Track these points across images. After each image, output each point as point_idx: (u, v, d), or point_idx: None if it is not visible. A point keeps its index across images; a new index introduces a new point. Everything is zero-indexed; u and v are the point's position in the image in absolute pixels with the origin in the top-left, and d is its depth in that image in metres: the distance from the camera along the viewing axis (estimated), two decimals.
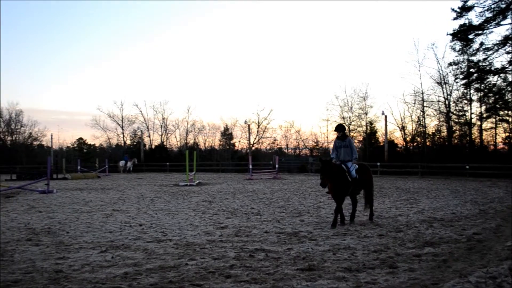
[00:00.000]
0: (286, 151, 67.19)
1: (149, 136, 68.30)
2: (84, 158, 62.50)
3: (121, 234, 10.56)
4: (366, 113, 56.15)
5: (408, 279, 6.55)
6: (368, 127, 55.58)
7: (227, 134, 68.68)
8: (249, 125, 61.54)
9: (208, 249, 8.80)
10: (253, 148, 63.23)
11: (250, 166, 38.25)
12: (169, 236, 10.29)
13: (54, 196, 21.66)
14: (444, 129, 49.10)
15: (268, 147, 67.73)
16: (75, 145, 77.53)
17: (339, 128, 12.24)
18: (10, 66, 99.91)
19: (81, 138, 77.94)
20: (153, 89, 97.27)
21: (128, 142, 69.28)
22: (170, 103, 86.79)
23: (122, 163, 54.17)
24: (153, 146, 66.17)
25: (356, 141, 56.09)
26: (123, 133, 68.93)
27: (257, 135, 66.13)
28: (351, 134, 57.33)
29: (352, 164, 11.94)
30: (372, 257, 7.97)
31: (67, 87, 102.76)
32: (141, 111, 68.30)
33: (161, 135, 68.16)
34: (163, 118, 68.32)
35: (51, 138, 58.52)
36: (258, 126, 66.05)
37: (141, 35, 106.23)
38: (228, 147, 67.97)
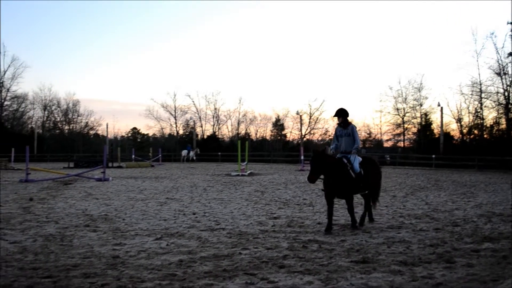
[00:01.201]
0: None
1: (201, 126, 69.18)
2: (138, 147, 63.84)
3: (175, 222, 10.72)
4: (420, 105, 55.09)
5: (466, 275, 6.37)
6: (423, 119, 54.45)
7: (278, 125, 68.66)
8: (301, 116, 61.42)
9: (261, 239, 8.83)
10: (304, 139, 63.02)
11: (302, 157, 38.07)
12: (222, 225, 10.38)
13: (110, 184, 22.21)
14: (503, 121, 47.51)
15: (319, 138, 67.41)
16: (130, 135, 79.28)
17: (340, 113, 10.34)
18: (68, 57, 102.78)
19: (135, 128, 79.64)
20: (205, 80, 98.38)
21: (181, 132, 70.36)
22: (222, 94, 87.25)
23: (184, 152, 54.86)
24: (205, 136, 66.94)
25: (410, 133, 55.00)
26: (176, 123, 70.03)
27: (308, 126, 65.92)
28: (405, 125, 56.29)
29: (353, 155, 10.11)
30: (428, 251, 7.80)
31: (122, 77, 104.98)
32: (193, 101, 69.21)
33: (213, 125, 68.88)
34: (215, 109, 68.99)
35: (107, 127, 60.19)
36: (310, 117, 65.84)
37: (193, 24, 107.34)
38: (279, 137, 67.97)
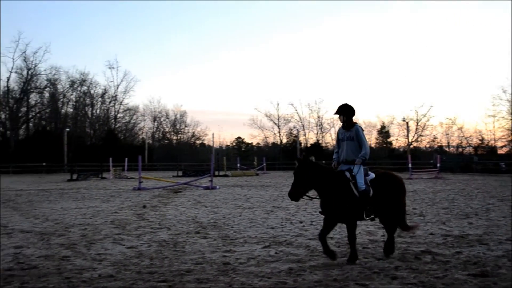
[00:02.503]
0: (447, 149, 63.99)
1: (305, 135, 69.23)
2: (242, 156, 64.98)
3: (282, 230, 10.74)
4: None
5: None
6: None
7: (383, 132, 67.23)
8: (407, 123, 59.67)
9: (371, 249, 8.62)
10: (411, 146, 61.16)
11: (410, 165, 36.94)
12: (330, 234, 10.24)
13: (217, 192, 22.75)
14: None
15: (427, 145, 65.12)
16: (234, 144, 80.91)
17: (342, 110, 7.94)
18: (175, 70, 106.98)
19: (239, 137, 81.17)
20: (308, 88, 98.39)
21: (284, 140, 70.83)
22: (325, 102, 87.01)
23: None
24: (308, 145, 66.86)
25: None
26: (279, 132, 70.70)
27: (415, 133, 63.89)
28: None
29: (357, 166, 7.73)
30: None
31: (226, 88, 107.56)
32: (296, 110, 69.58)
33: (316, 134, 68.71)
34: (318, 117, 68.89)
35: (212, 137, 61.82)
36: (417, 123, 63.82)
37: (294, 31, 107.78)
38: (384, 145, 66.47)
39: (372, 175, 7.90)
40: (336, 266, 7.32)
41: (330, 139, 69.34)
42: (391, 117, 67.26)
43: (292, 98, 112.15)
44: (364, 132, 8.05)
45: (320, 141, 67.51)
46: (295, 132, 68.70)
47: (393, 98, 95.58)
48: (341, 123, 8.06)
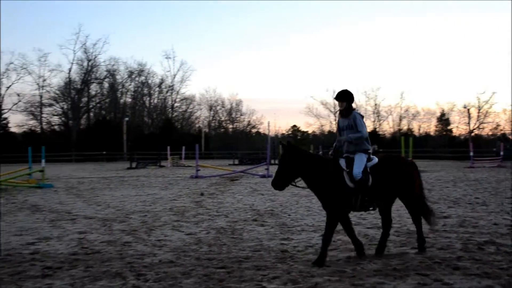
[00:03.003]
0: (511, 137, 61.78)
1: None
2: (298, 145, 64.66)
3: None
4: None
5: None
6: None
7: (443, 120, 65.51)
8: (468, 110, 57.96)
9: (431, 238, 8.42)
10: (473, 134, 59.39)
11: (471, 153, 35.86)
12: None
13: None
14: None
15: (490, 133, 63.08)
16: (290, 132, 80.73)
17: (341, 97, 7.36)
18: (230, 59, 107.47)
19: (295, 126, 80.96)
20: (364, 75, 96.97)
21: None
22: (382, 89, 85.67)
23: None
24: None
25: None
26: (335, 120, 69.90)
27: (477, 120, 61.97)
28: None
29: (358, 154, 7.13)
30: None
31: (282, 76, 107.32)
32: None
33: (373, 121, 67.68)
34: (375, 104, 67.77)
35: (268, 125, 61.69)
36: (479, 110, 61.83)
37: (351, 19, 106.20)
38: (444, 133, 64.81)
39: (374, 160, 7.27)
40: (395, 255, 7.22)
41: (387, 127, 68.34)
42: (451, 104, 65.46)
43: (348, 85, 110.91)
44: (364, 119, 7.45)
45: (377, 129, 66.43)
46: None
47: (454, 84, 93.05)
48: (340, 110, 7.49)
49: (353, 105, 7.49)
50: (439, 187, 18.30)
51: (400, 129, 65.39)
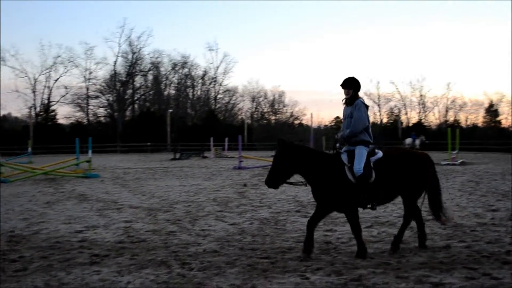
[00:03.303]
0: None
1: (406, 114, 67.20)
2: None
3: (384, 210, 10.51)
4: None
5: None
6: None
7: (492, 111, 63.76)
8: None
9: (479, 232, 8.23)
10: None
11: None
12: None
13: None
14: None
15: None
16: (333, 123, 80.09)
17: (347, 84, 7.06)
18: (273, 51, 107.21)
19: (338, 117, 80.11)
20: (409, 66, 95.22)
21: (385, 120, 69.15)
22: (427, 79, 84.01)
23: (408, 140, 52.56)
24: (410, 124, 64.85)
25: None
26: (379, 111, 69.05)
27: None
28: None
29: (358, 148, 6.79)
30: None
31: (324, 67, 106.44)
32: (397, 88, 67.54)
33: (419, 113, 66.48)
34: (421, 95, 66.52)
35: (311, 116, 61.61)
36: None
37: (395, 9, 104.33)
38: (493, 124, 63.10)
39: (379, 154, 6.93)
40: (442, 248, 7.09)
41: (433, 118, 67.00)
42: (500, 94, 63.65)
43: (393, 76, 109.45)
44: (369, 109, 7.10)
45: (423, 120, 65.18)
46: (396, 111, 66.92)
47: (503, 74, 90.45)
48: (345, 98, 7.13)
49: (360, 93, 7.16)
50: (487, 179, 17.83)
51: (446, 121, 63.97)
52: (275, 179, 6.65)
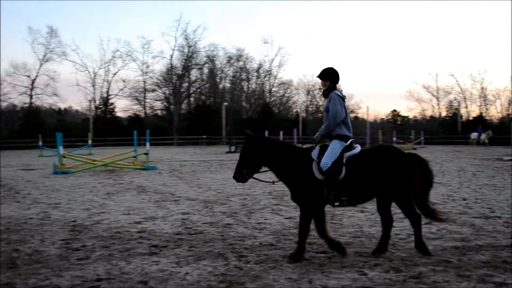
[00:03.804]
0: None
1: (466, 107, 65.36)
2: (398, 130, 63.09)
3: (444, 207, 10.25)
4: None
5: None
6: None
7: None
8: None
9: None
10: None
11: None
12: (497, 213, 9.58)
13: None
14: None
15: None
16: (390, 117, 78.78)
17: (323, 75, 6.71)
18: (325, 43, 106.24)
19: (395, 110, 78.77)
20: (470, 58, 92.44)
21: (444, 113, 67.49)
22: (489, 72, 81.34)
23: (474, 135, 51.20)
24: (470, 118, 63.02)
25: None
26: (438, 104, 67.50)
27: None
28: None
29: (333, 142, 6.46)
30: None
31: (381, 60, 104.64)
32: (457, 81, 65.75)
33: (480, 106, 64.52)
34: (482, 88, 64.50)
35: (367, 110, 60.64)
36: None
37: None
38: None
39: (355, 150, 6.52)
40: (505, 247, 6.85)
41: (495, 112, 64.90)
42: None
43: (452, 68, 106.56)
44: (345, 100, 6.69)
45: (484, 114, 63.19)
46: (455, 104, 65.10)
47: None
48: (322, 90, 6.75)
49: (337, 85, 6.75)
50: None
51: (509, 114, 61.71)
52: (241, 172, 6.52)
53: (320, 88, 6.85)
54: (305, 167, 6.37)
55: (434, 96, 67.29)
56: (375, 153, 6.61)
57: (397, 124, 75.11)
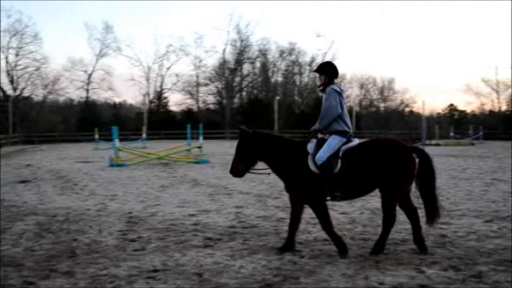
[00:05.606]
0: None
1: None
2: (455, 125, 61.46)
3: (505, 205, 9.91)
4: None
5: None
6: None
7: None
8: None
9: None
10: None
11: None
12: None
13: None
14: None
15: None
16: (446, 111, 76.79)
17: (320, 69, 6.73)
18: (384, 38, 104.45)
19: (451, 104, 76.67)
20: None
21: (504, 108, 65.32)
22: None
23: None
24: None
25: None
26: (498, 99, 65.41)
27: None
28: None
29: (332, 137, 6.38)
30: None
31: (437, 53, 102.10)
32: None
33: None
34: None
35: (423, 104, 59.30)
36: None
37: None
38: None
39: (352, 143, 6.44)
40: None
41: None
42: None
43: None
44: (343, 95, 6.65)
45: None
46: None
47: None
48: (320, 85, 6.74)
49: (335, 80, 6.69)
50: None
51: None
52: (238, 167, 6.54)
53: (319, 84, 6.79)
54: (300, 160, 6.34)
55: (494, 89, 65.18)
56: (371, 145, 6.58)
57: (454, 118, 73.13)
